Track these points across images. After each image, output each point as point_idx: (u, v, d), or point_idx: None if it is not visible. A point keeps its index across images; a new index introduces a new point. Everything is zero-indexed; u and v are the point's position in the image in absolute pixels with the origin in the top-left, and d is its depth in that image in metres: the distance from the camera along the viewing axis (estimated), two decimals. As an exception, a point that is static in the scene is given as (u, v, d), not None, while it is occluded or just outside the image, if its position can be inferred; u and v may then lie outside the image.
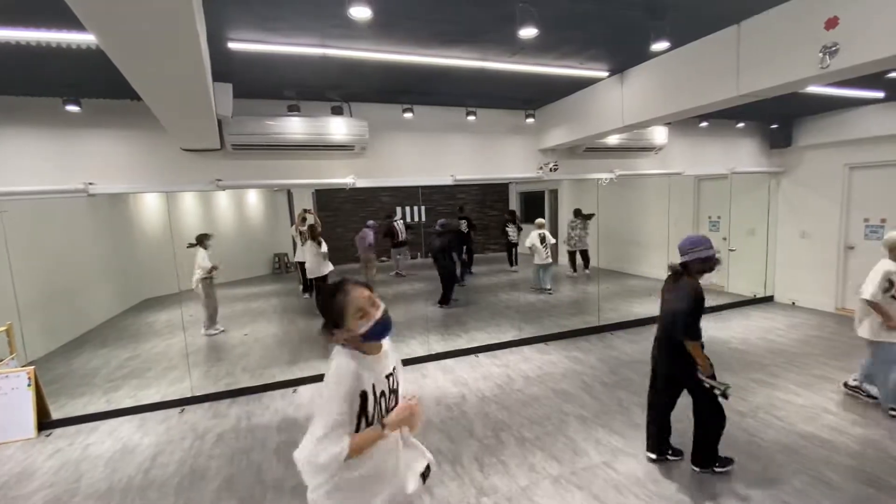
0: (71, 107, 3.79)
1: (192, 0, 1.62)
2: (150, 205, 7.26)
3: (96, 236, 6.49)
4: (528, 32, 2.74)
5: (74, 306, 5.99)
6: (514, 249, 8.88)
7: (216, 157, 4.31)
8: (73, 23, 1.67)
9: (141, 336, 6.09)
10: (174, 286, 5.19)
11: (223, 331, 6.16)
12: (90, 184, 3.93)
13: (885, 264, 3.48)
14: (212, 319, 6.10)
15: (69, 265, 5.85)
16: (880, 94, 5.20)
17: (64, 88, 3.72)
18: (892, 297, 3.43)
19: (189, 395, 4.33)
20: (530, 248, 7.38)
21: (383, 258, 9.00)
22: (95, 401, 4.30)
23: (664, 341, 2.89)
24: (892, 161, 5.76)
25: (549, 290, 7.68)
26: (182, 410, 4.18)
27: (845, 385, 3.95)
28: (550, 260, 7.48)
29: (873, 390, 3.71)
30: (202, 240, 5.87)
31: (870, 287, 3.44)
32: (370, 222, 7.79)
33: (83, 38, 2.64)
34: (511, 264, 9.02)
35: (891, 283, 3.42)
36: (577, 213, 8.03)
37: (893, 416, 3.48)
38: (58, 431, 3.86)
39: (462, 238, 7.70)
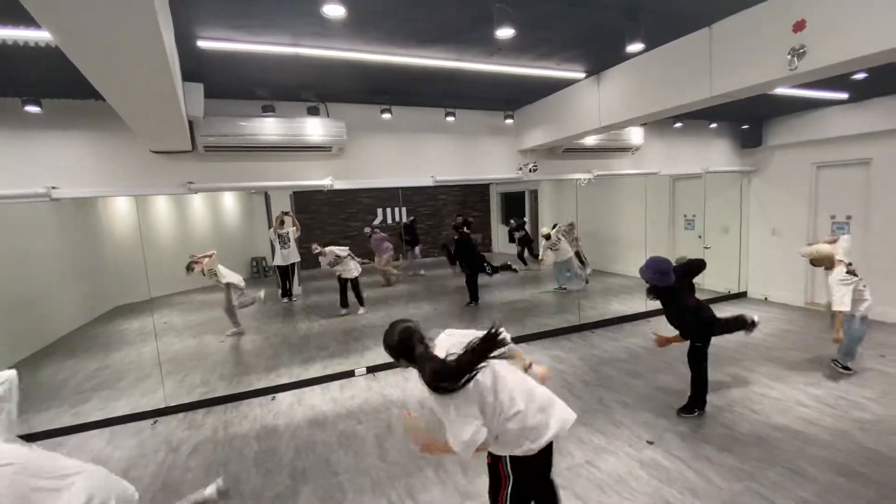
0: (31, 107, 3.61)
1: (154, -5, 1.55)
2: (120, 208, 7.00)
3: (62, 242, 6.22)
4: (504, 33, 2.73)
5: (39, 315, 5.73)
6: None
7: (188, 159, 4.18)
8: (28, 19, 1.58)
9: (111, 345, 5.87)
10: (146, 292, 5.02)
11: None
12: (53, 188, 3.76)
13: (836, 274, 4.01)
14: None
15: (33, 273, 5.59)
16: (844, 96, 5.40)
17: (23, 88, 3.54)
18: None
19: (162, 406, 4.19)
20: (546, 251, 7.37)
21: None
22: (62, 414, 4.12)
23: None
24: (855, 160, 5.99)
25: (565, 288, 7.65)
26: (155, 422, 4.03)
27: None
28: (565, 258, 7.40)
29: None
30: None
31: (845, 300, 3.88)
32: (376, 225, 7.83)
33: (40, 36, 2.51)
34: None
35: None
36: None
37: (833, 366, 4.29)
38: (21, 448, 3.67)
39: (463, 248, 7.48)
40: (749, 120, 6.83)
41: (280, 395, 4.44)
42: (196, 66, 3.35)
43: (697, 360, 3.62)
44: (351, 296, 6.79)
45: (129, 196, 4.42)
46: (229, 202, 8.77)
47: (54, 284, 6.02)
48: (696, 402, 3.64)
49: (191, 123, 3.85)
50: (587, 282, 7.60)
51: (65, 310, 6.25)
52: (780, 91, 4.43)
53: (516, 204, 10.39)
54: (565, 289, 7.64)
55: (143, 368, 5.09)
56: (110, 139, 3.93)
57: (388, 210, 9.31)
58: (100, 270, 6.80)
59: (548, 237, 7.37)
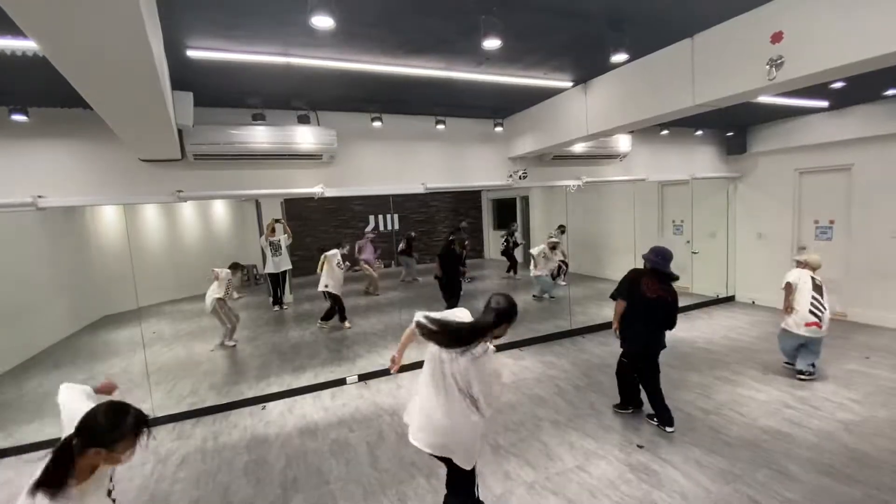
0: (17, 116, 3.59)
1: (142, 6, 1.57)
2: (108, 217, 6.94)
3: (49, 251, 6.14)
4: (491, 43, 2.78)
5: (24, 326, 5.63)
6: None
7: (177, 168, 4.17)
8: (15, 28, 1.59)
9: (98, 356, 5.78)
10: (134, 302, 4.96)
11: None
12: (39, 197, 3.72)
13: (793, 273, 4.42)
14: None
15: (18, 283, 5.51)
16: (824, 104, 5.54)
17: (9, 97, 3.52)
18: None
19: (151, 417, 4.11)
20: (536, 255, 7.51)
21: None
22: (47, 427, 4.03)
23: (660, 328, 3.51)
24: (837, 166, 6.13)
25: (552, 297, 7.77)
26: (143, 433, 3.97)
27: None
28: (544, 273, 7.56)
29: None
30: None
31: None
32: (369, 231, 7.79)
33: (27, 45, 2.51)
34: (513, 271, 9.07)
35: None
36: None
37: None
38: (5, 461, 3.60)
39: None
40: (733, 127, 6.96)
41: (271, 404, 4.40)
42: (185, 75, 3.36)
43: (619, 369, 3.79)
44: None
45: (117, 205, 4.38)
46: (219, 210, 8.73)
47: (40, 294, 5.93)
48: (625, 401, 3.86)
49: (180, 132, 3.85)
50: (552, 297, 7.72)
51: (50, 320, 6.15)
52: (763, 99, 4.52)
53: (507, 210, 10.47)
54: (540, 297, 7.75)
55: (131, 379, 5.01)
56: (98, 148, 3.91)
57: (380, 217, 9.34)
58: (87, 280, 6.72)
59: (553, 248, 7.42)
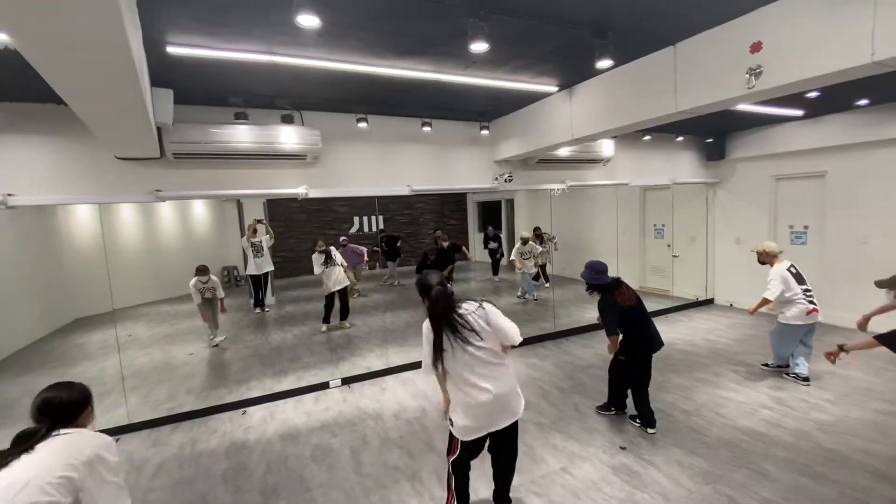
0: (-14, 111, 3.46)
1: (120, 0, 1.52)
2: (82, 217, 6.71)
3: (18, 251, 5.92)
4: (479, 47, 2.78)
5: (-9, 330, 5.42)
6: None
7: (155, 167, 4.06)
8: (-16, 20, 1.53)
9: (69, 360, 5.58)
10: (108, 304, 4.80)
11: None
12: (9, 195, 3.58)
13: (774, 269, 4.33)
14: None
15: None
16: (800, 113, 5.72)
17: (-23, 91, 3.39)
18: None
19: (125, 423, 4.01)
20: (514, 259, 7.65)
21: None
22: (12, 434, 3.87)
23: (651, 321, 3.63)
24: (811, 173, 6.33)
25: (535, 298, 7.88)
26: (117, 440, 3.84)
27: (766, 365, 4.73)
28: (530, 271, 7.72)
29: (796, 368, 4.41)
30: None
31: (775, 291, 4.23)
32: (343, 239, 7.80)
33: (-2, 37, 2.41)
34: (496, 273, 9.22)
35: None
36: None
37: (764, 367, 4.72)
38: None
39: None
40: (713, 134, 7.13)
41: (251, 409, 4.31)
42: (166, 72, 3.27)
43: (613, 368, 3.77)
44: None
45: (92, 204, 4.24)
46: (200, 210, 8.54)
47: (8, 296, 5.71)
48: (610, 402, 3.88)
49: (159, 130, 3.76)
50: (535, 298, 7.85)
51: (19, 323, 5.92)
52: (741, 107, 4.65)
53: (493, 213, 10.52)
54: (526, 297, 7.88)
55: (105, 384, 4.85)
56: (72, 144, 3.78)
57: (365, 219, 9.27)
58: (59, 281, 6.49)
59: (525, 242, 7.52)
